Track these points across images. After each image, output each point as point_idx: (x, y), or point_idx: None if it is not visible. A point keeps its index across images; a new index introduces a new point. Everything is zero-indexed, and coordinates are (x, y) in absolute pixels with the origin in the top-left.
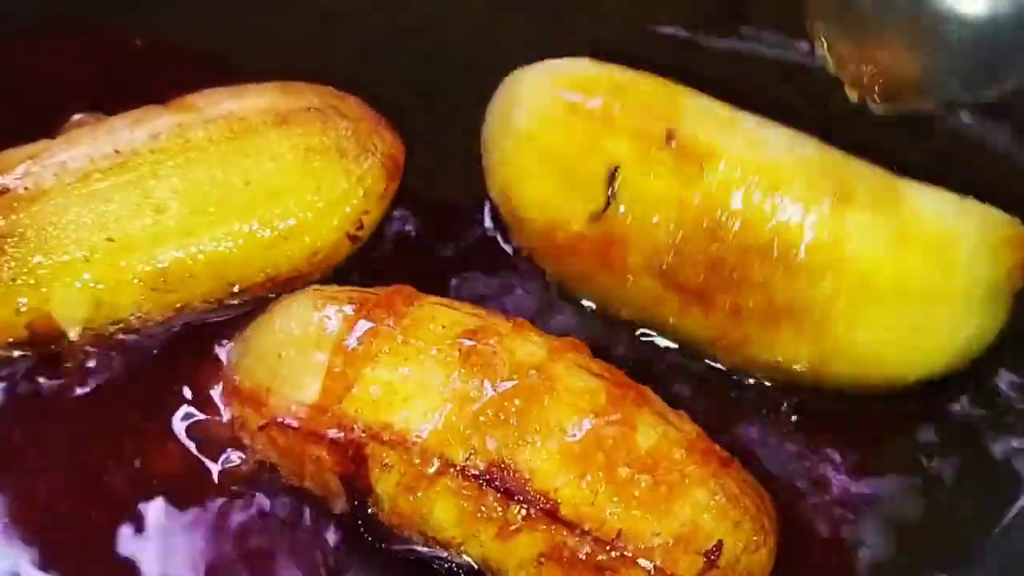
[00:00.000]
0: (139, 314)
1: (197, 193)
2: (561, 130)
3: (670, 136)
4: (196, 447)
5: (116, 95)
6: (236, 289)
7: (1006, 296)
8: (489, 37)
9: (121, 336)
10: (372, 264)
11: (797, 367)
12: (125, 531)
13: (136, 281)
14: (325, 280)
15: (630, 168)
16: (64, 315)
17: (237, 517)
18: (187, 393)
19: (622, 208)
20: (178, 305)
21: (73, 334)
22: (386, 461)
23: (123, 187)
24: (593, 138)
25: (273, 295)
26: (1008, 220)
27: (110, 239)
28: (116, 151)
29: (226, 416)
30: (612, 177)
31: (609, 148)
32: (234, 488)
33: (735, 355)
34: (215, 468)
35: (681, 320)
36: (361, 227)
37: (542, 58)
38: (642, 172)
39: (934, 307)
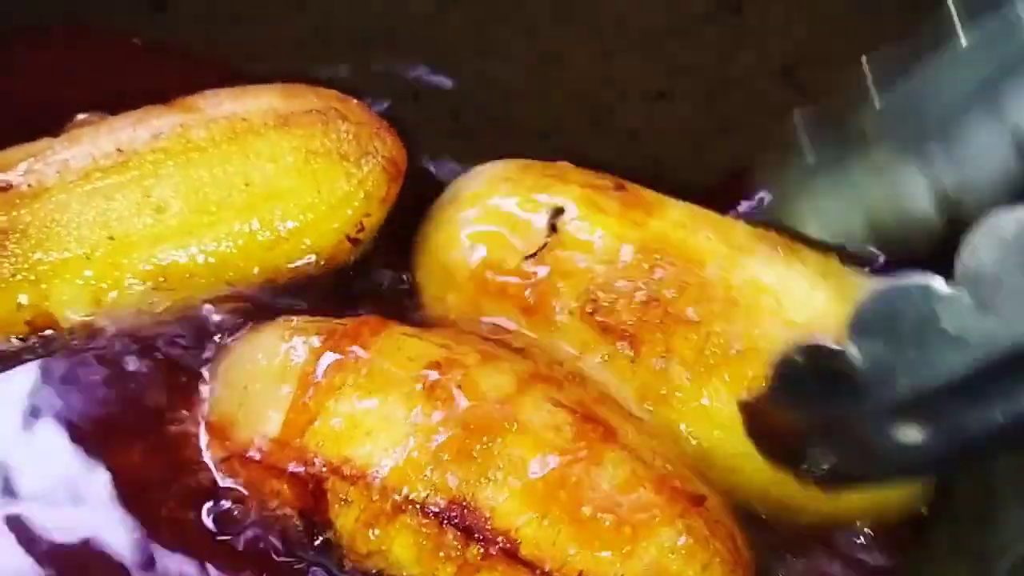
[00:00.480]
0: (138, 312)
1: (198, 193)
2: (509, 184)
3: (619, 185)
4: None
5: (120, 96)
6: (234, 289)
7: None
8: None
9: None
10: (347, 288)
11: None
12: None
13: (135, 279)
14: (326, 286)
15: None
16: (63, 312)
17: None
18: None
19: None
20: (178, 304)
21: (71, 329)
22: (346, 496)
23: (124, 186)
24: (542, 186)
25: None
26: None
27: (111, 237)
28: (118, 150)
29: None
30: (553, 220)
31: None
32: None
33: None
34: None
35: (608, 367)
36: (362, 229)
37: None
38: (586, 215)
39: None
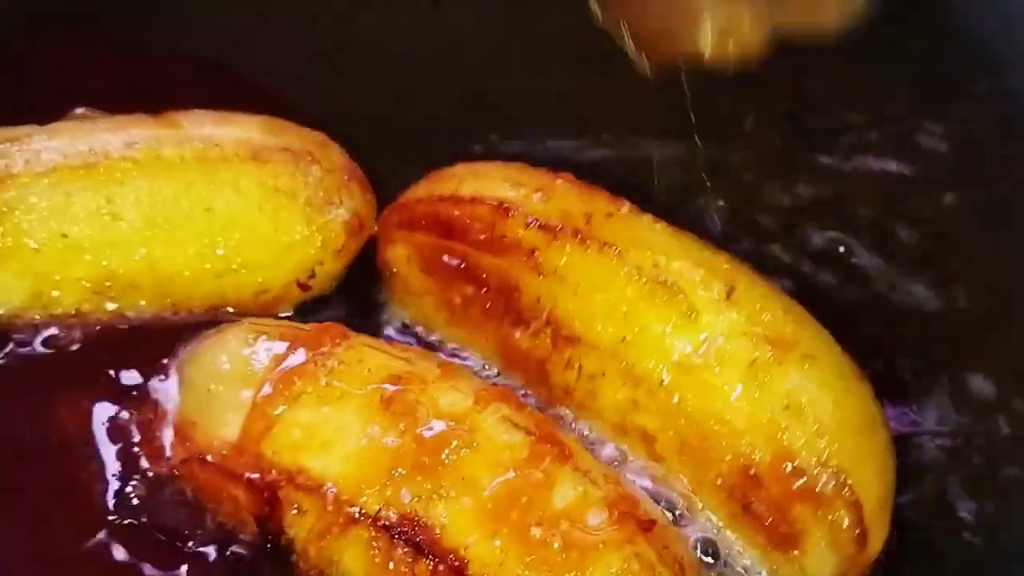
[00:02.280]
0: (75, 313)
1: (157, 208)
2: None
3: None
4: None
5: (123, 96)
6: (177, 310)
7: None
8: None
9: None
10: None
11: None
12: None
13: (80, 281)
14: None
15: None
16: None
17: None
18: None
19: None
20: (117, 312)
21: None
22: (300, 506)
23: (87, 187)
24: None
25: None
26: None
27: (64, 235)
28: (90, 151)
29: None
30: None
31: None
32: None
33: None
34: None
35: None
36: (313, 276)
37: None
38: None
39: None
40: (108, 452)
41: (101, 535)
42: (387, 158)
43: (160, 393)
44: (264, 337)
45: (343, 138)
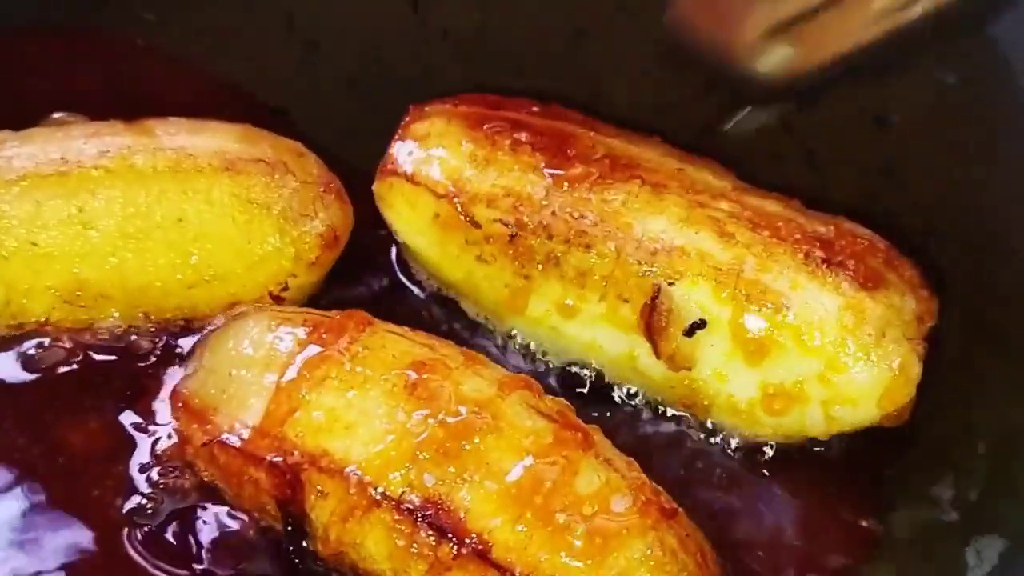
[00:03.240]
0: (46, 322)
1: (129, 218)
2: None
3: None
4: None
5: (102, 98)
6: (149, 321)
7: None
8: None
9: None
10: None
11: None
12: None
13: (50, 290)
14: None
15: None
16: None
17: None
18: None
19: None
20: (88, 322)
21: None
22: (322, 488)
23: (59, 195)
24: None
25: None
26: None
27: (34, 243)
28: (62, 158)
29: (171, 429)
30: None
31: None
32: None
33: None
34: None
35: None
36: (286, 288)
37: None
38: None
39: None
40: (119, 465)
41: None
42: (363, 158)
43: (176, 381)
44: (287, 323)
45: (318, 139)
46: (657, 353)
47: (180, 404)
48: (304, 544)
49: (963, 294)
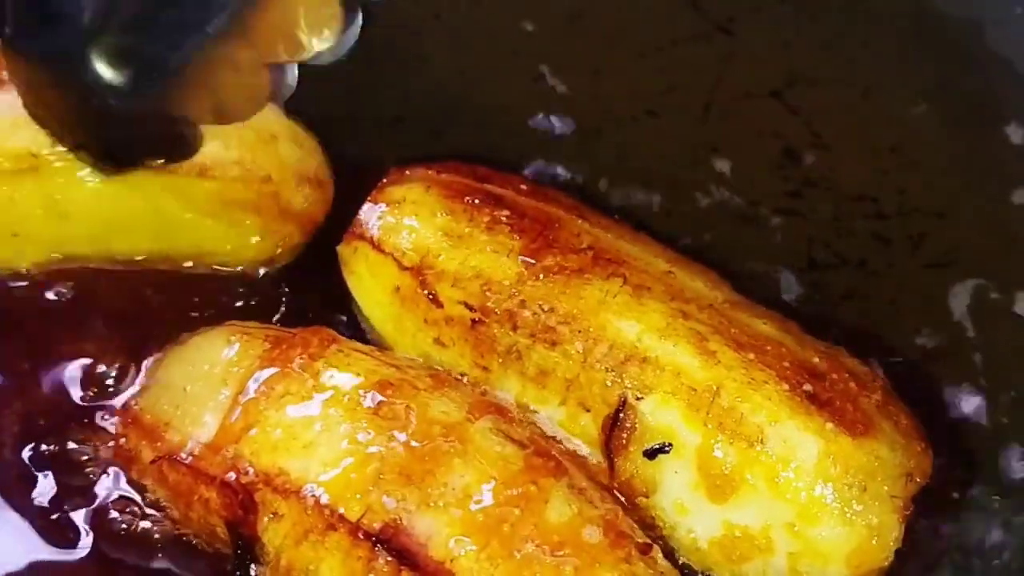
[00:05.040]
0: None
1: (105, 209)
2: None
3: None
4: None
5: None
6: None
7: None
8: None
9: None
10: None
11: None
12: None
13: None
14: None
15: None
16: None
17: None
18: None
19: None
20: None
21: None
22: (276, 510)
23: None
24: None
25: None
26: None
27: (15, 235)
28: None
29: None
30: None
31: None
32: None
33: None
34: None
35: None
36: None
37: None
38: None
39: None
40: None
41: None
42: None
43: (127, 397)
44: (248, 338)
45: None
46: (613, 473)
47: (130, 420)
48: (252, 571)
49: None
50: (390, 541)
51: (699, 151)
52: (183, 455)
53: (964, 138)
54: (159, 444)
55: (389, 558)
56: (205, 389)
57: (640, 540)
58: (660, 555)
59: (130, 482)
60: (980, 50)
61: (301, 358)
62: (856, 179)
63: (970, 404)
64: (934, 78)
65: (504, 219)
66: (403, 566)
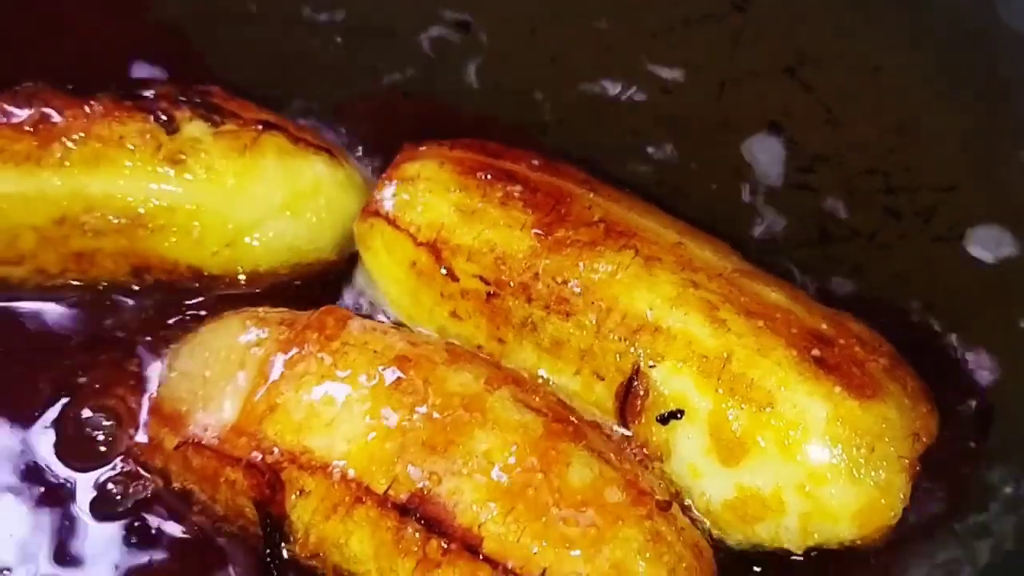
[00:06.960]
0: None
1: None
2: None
3: None
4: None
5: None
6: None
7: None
8: None
9: None
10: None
11: None
12: None
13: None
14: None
15: None
16: None
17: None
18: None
19: None
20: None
21: None
22: (303, 487)
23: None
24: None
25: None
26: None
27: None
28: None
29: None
30: None
31: None
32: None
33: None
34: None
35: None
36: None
37: None
38: None
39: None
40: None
41: None
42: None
43: (148, 385)
44: (263, 323)
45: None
46: (627, 440)
47: (153, 408)
48: (283, 549)
49: None
50: (418, 510)
51: (712, 128)
52: (207, 439)
53: (973, 113)
54: (182, 430)
55: (418, 527)
56: (224, 374)
57: (660, 498)
58: (680, 511)
59: (152, 470)
60: (990, 25)
61: (318, 338)
62: (867, 154)
63: (982, 374)
64: (944, 54)
65: (517, 194)
66: (432, 534)
